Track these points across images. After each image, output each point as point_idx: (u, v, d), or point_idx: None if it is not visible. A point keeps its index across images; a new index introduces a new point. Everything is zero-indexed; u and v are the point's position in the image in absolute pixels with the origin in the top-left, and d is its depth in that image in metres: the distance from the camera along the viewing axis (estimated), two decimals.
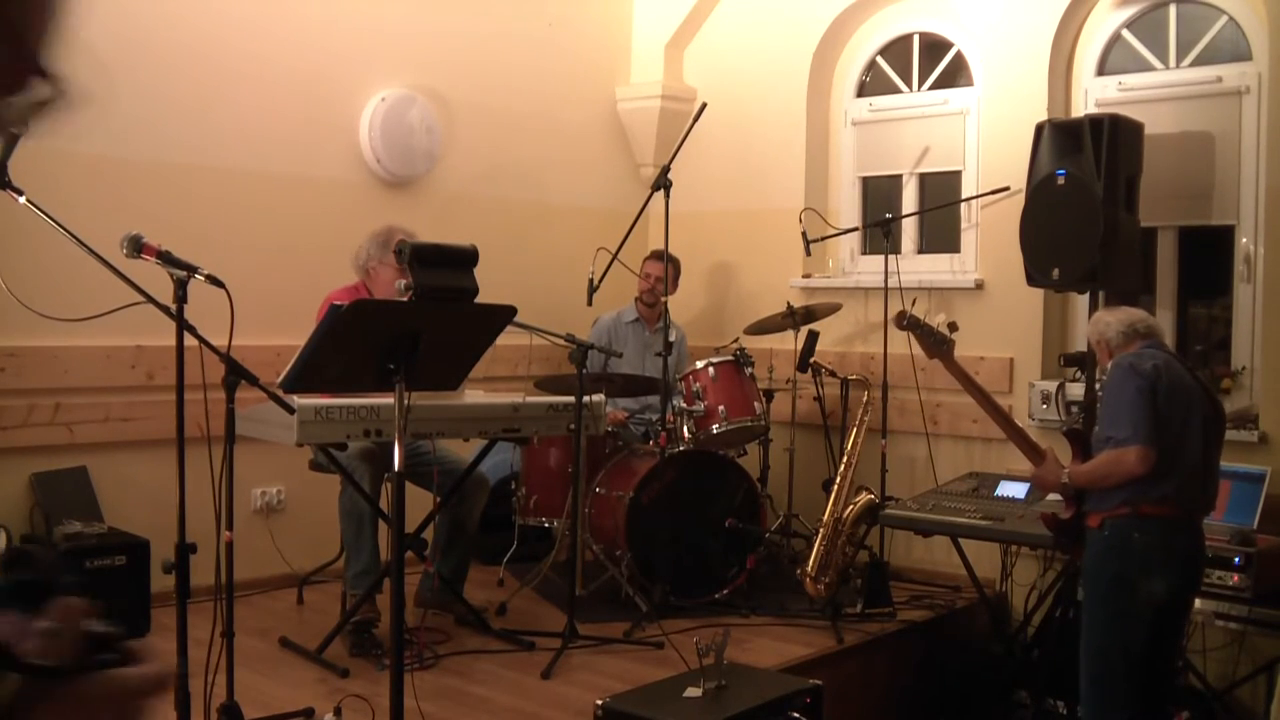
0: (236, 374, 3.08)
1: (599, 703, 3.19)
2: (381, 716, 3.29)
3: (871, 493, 4.89)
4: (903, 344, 5.51)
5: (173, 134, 4.89)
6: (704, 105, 5.16)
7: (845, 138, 6.26)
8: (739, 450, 5.49)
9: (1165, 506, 3.39)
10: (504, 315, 3.39)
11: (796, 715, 3.26)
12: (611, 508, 4.90)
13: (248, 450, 3.51)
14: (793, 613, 4.75)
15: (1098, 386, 3.65)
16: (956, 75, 5.91)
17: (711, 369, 5.27)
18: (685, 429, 5.18)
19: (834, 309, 5.61)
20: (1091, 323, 3.85)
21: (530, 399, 4.24)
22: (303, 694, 3.79)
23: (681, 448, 5.05)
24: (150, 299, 3.00)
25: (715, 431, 5.19)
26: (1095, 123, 4.68)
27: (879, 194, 6.22)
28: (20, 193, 2.96)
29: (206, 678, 3.04)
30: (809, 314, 5.52)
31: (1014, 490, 4.70)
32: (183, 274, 2.99)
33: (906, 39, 6.09)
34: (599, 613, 4.63)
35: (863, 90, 6.26)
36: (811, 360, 5.30)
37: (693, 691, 3.23)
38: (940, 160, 5.91)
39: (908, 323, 3.94)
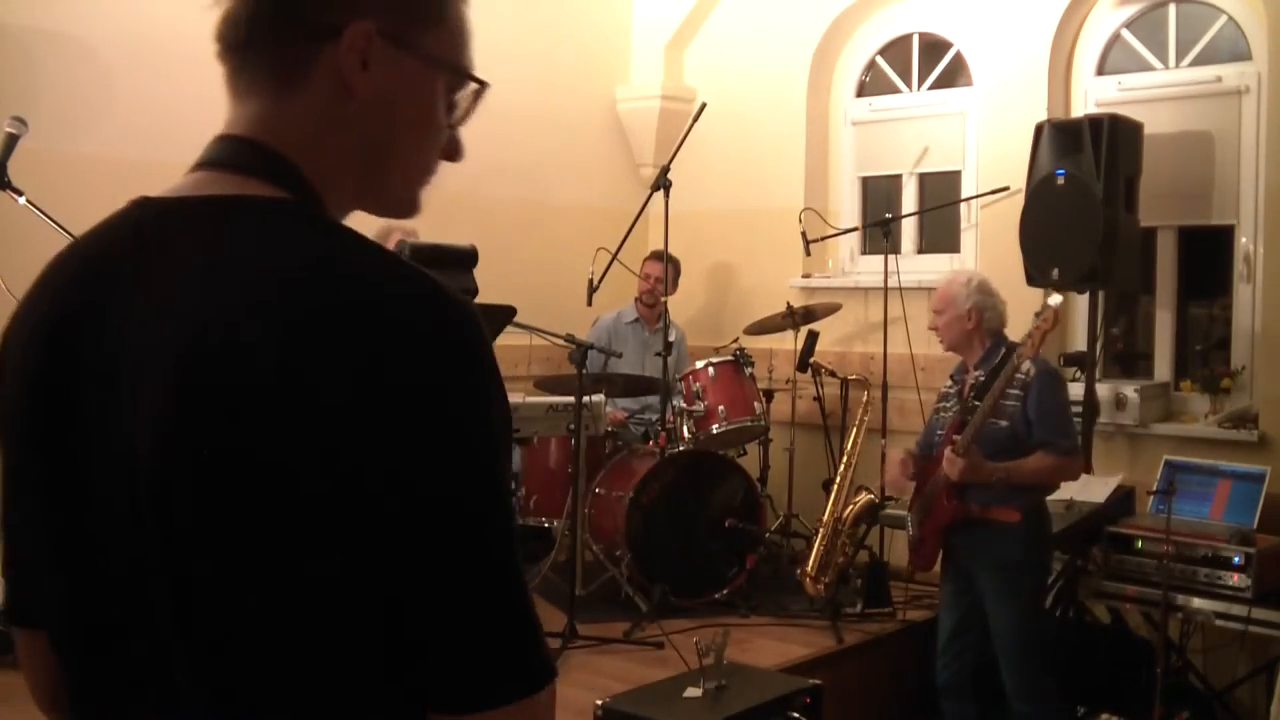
0: None
1: (599, 703, 3.19)
2: None
3: (871, 493, 4.88)
4: (902, 344, 5.51)
5: (173, 134, 4.87)
6: (704, 105, 5.16)
7: (845, 138, 6.27)
8: (739, 450, 5.50)
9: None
10: (504, 315, 3.40)
11: (796, 715, 3.26)
12: (611, 508, 4.90)
13: None
14: (792, 613, 4.75)
15: (1025, 377, 3.75)
16: (956, 75, 5.91)
17: (711, 369, 5.27)
18: (685, 429, 5.18)
19: (834, 309, 5.61)
20: (979, 289, 3.91)
21: (530, 399, 4.25)
22: None
23: (681, 448, 5.05)
24: None
25: (715, 432, 5.19)
26: (1095, 123, 4.69)
27: (878, 194, 6.22)
28: (20, 193, 2.96)
29: None
30: (808, 314, 5.52)
31: None
32: None
33: (906, 39, 6.09)
34: (599, 613, 4.63)
35: (862, 90, 6.27)
36: (811, 360, 5.30)
37: (693, 692, 3.23)
38: (940, 160, 5.91)
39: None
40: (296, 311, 0.90)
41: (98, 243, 1.03)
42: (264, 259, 0.94)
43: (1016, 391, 3.74)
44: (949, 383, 4.08)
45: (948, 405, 3.96)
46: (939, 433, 3.89)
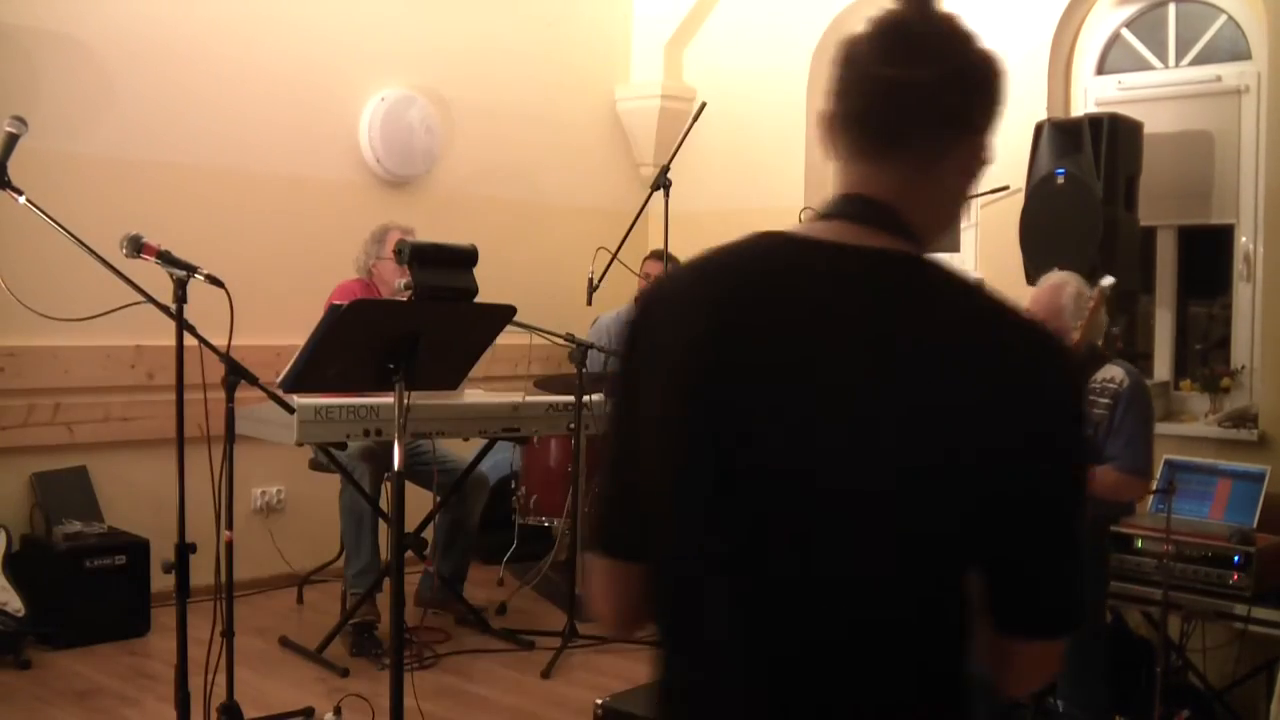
0: (236, 374, 3.08)
1: (599, 702, 3.19)
2: (381, 716, 3.29)
3: None
4: None
5: (173, 134, 4.89)
6: (703, 105, 5.16)
7: None
8: None
9: None
10: (504, 315, 3.40)
11: None
12: None
13: (248, 450, 3.52)
14: None
15: (1117, 386, 3.68)
16: None
17: None
18: None
19: None
20: (1074, 295, 3.70)
21: (530, 398, 4.24)
22: (303, 693, 3.79)
23: None
24: (150, 299, 3.00)
25: None
26: (1095, 122, 4.68)
27: None
28: (20, 193, 2.96)
29: (206, 677, 3.04)
30: None
31: None
32: (182, 274, 2.99)
33: None
34: None
35: None
36: None
37: None
38: None
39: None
40: (980, 353, 1.18)
41: (744, 267, 1.31)
42: (932, 301, 1.21)
43: (1106, 400, 3.70)
44: None
45: None
46: None
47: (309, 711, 3.62)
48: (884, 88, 1.25)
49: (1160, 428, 4.95)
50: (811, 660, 1.21)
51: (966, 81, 1.29)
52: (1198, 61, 5.15)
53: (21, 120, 2.97)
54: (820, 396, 1.18)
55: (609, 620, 1.39)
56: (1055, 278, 3.83)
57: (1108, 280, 3.66)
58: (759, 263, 1.30)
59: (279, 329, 4.58)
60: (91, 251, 2.95)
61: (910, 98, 1.24)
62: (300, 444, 3.76)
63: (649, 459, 1.28)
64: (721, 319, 1.24)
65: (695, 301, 1.28)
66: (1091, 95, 5.40)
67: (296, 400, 3.59)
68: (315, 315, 3.18)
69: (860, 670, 1.21)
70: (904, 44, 1.26)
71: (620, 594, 1.36)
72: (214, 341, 3.06)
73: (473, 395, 4.20)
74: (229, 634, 3.17)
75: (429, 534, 4.50)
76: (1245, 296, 4.96)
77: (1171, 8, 5.24)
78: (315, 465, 4.62)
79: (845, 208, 1.27)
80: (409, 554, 3.60)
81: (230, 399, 3.12)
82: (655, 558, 1.31)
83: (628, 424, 1.32)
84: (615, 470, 1.34)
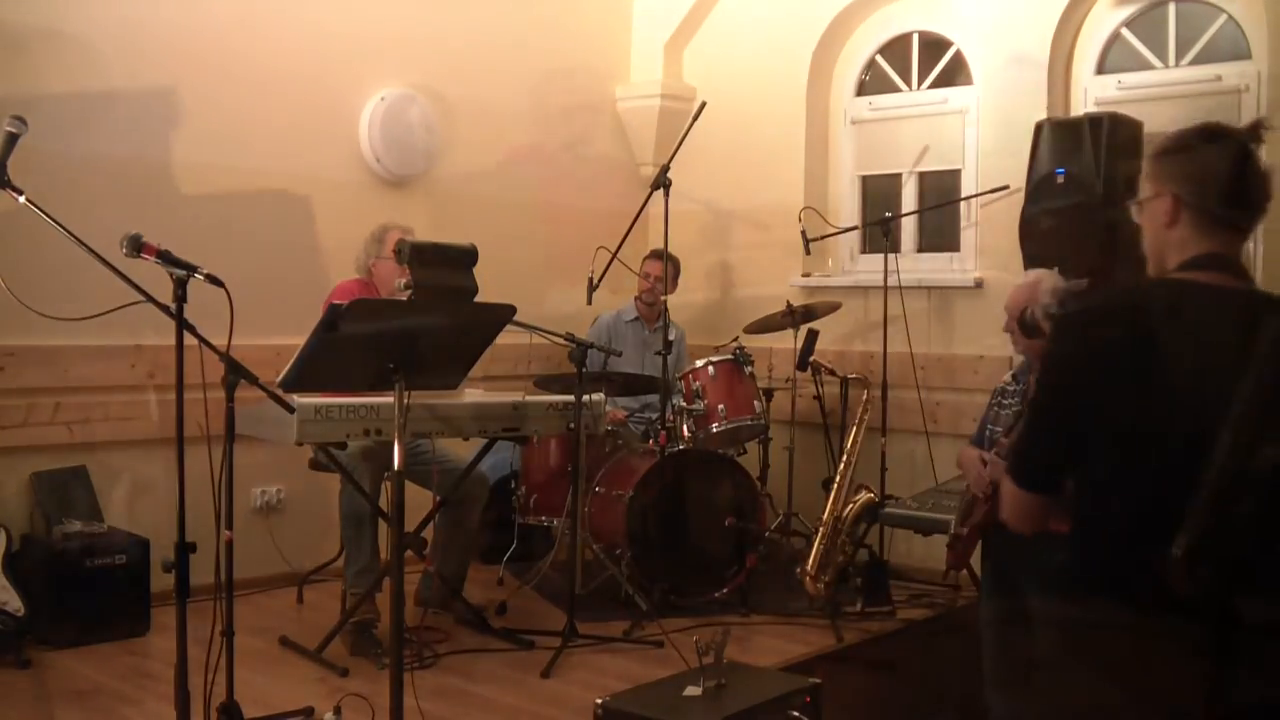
0: (236, 373, 3.07)
1: (599, 702, 3.20)
2: (381, 716, 3.29)
3: (871, 491, 4.89)
4: (902, 343, 5.52)
5: (173, 134, 4.89)
6: (703, 104, 5.16)
7: (845, 136, 6.27)
8: (738, 449, 5.50)
9: None
10: (503, 314, 3.40)
11: (796, 714, 3.26)
12: (611, 507, 4.90)
13: (248, 449, 3.51)
14: (792, 611, 4.76)
15: None
16: (956, 74, 5.91)
17: (711, 368, 5.27)
18: (685, 428, 5.18)
19: (833, 308, 5.62)
20: (1050, 290, 3.47)
21: (530, 398, 4.24)
22: (302, 693, 3.79)
23: (681, 447, 5.05)
24: (150, 299, 3.00)
25: (715, 430, 5.19)
26: (1094, 121, 4.69)
27: (878, 193, 6.22)
28: (20, 192, 2.96)
29: (206, 676, 3.04)
30: (808, 313, 5.52)
31: None
32: (182, 273, 2.99)
33: (906, 38, 6.09)
34: (599, 612, 4.63)
35: (862, 89, 6.27)
36: (811, 359, 5.30)
37: (692, 690, 3.23)
38: (940, 159, 5.91)
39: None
40: None
41: (1164, 296, 2.06)
42: None
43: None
44: (1009, 380, 3.97)
45: (1005, 403, 3.85)
46: (992, 428, 3.80)
47: (309, 711, 3.62)
48: (1230, 186, 2.02)
49: None
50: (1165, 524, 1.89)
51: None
52: (1198, 61, 5.15)
53: (21, 120, 2.97)
54: (1216, 371, 1.92)
55: (1023, 528, 2.18)
56: (1032, 275, 3.82)
57: None
58: (1174, 294, 2.04)
59: (279, 328, 4.58)
60: (91, 251, 2.95)
61: (1244, 194, 2.03)
62: (300, 443, 3.76)
63: (1089, 424, 2.01)
64: (1159, 331, 1.97)
65: (1137, 316, 2.01)
66: (1091, 95, 5.40)
67: (296, 399, 3.59)
68: (315, 315, 3.18)
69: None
70: (1240, 152, 2.02)
71: (1034, 515, 2.17)
72: (214, 341, 3.06)
73: (473, 395, 4.20)
74: (229, 633, 3.17)
75: (429, 534, 4.50)
76: None
77: (1171, 7, 5.24)
78: (315, 465, 4.62)
79: (1217, 263, 2.03)
80: (409, 554, 3.60)
81: (230, 398, 3.12)
82: (1077, 481, 2.07)
83: (1067, 407, 2.07)
84: (1052, 439, 2.11)
